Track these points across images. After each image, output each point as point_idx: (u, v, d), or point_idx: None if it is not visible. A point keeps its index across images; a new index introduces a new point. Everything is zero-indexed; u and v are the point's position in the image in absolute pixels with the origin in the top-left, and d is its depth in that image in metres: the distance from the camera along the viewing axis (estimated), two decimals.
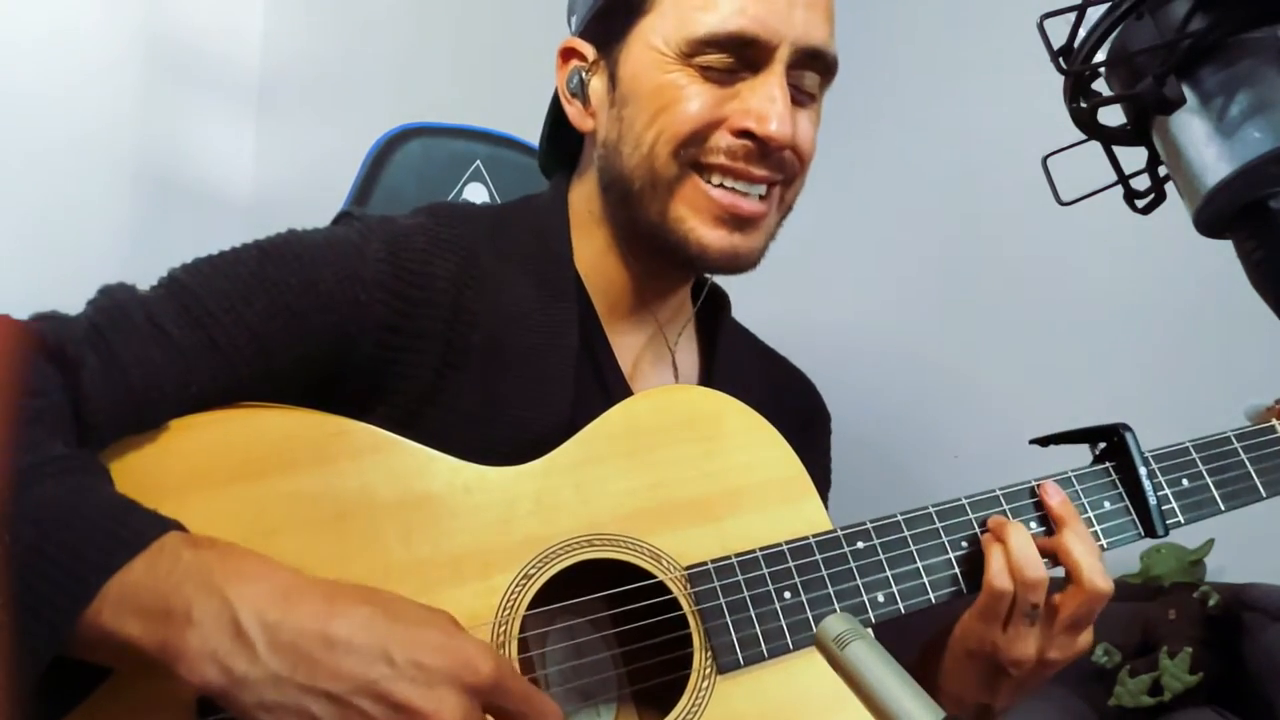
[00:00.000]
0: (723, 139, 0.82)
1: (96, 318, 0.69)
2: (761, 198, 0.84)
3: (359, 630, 0.59)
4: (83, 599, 0.56)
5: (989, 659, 0.80)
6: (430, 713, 0.57)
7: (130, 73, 1.79)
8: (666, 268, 0.90)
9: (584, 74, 0.89)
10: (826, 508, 1.02)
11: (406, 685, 0.57)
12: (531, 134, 1.03)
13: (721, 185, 0.83)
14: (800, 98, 0.85)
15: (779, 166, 0.84)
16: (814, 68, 0.85)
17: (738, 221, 0.83)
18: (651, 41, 0.83)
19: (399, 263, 0.78)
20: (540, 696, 0.63)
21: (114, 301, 0.71)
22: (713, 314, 1.00)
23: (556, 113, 0.94)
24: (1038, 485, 0.84)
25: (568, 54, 0.91)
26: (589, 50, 0.89)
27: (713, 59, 0.81)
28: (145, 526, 0.60)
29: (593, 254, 0.90)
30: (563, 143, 0.96)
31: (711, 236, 0.83)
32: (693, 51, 0.81)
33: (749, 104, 0.81)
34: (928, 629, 0.88)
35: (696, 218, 0.83)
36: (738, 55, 0.81)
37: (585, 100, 0.89)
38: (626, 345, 0.92)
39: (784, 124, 0.80)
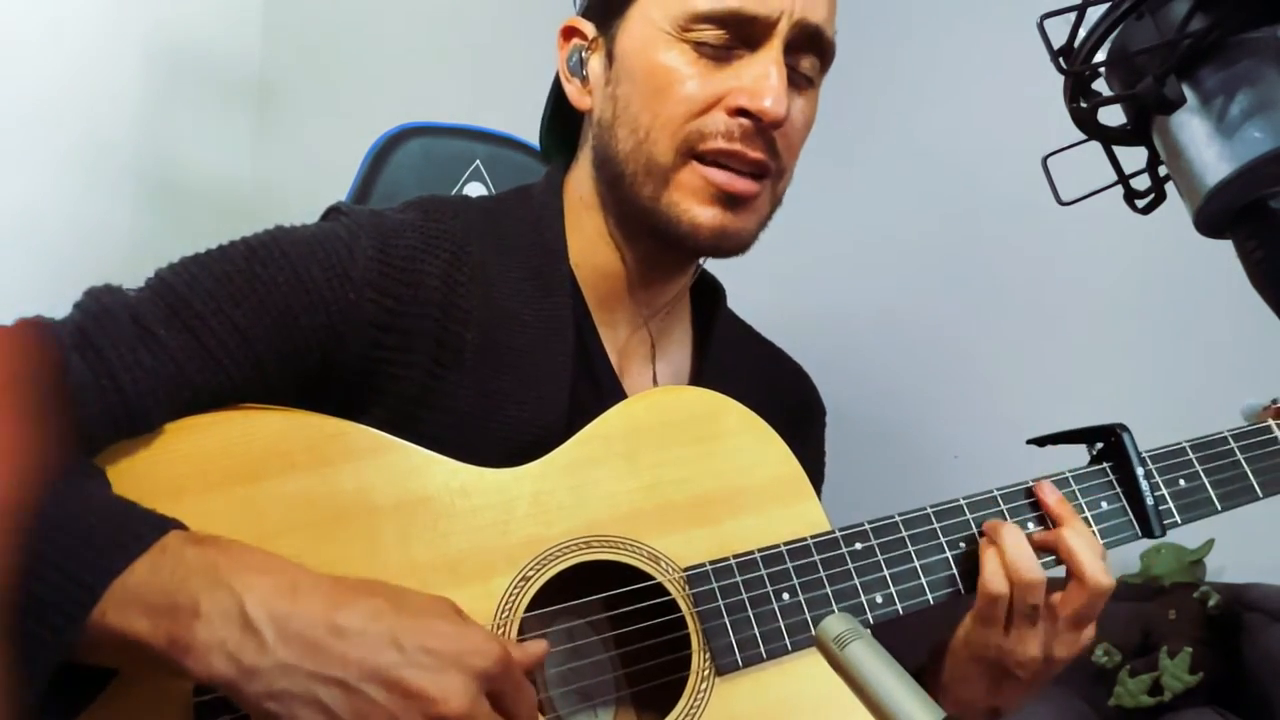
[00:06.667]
0: (719, 120, 0.81)
1: (82, 321, 0.68)
2: (756, 178, 0.83)
3: (367, 619, 0.59)
4: (87, 603, 0.56)
5: (994, 663, 0.80)
6: (438, 698, 0.57)
7: (129, 72, 1.79)
8: (658, 252, 0.88)
9: (584, 52, 0.89)
10: (820, 502, 1.02)
11: (415, 671, 0.58)
12: (531, 134, 1.03)
13: (716, 163, 0.82)
14: (797, 79, 0.84)
15: (772, 150, 0.83)
16: (812, 50, 0.84)
17: (730, 200, 0.82)
18: (649, 15, 0.83)
19: (389, 260, 0.77)
20: (529, 685, 0.64)
21: (100, 304, 0.69)
22: (708, 306, 0.99)
23: (558, 95, 0.94)
24: (1034, 484, 0.84)
25: (569, 33, 0.91)
26: (589, 28, 0.89)
27: (708, 34, 0.81)
28: (145, 528, 0.60)
29: (584, 244, 0.89)
30: (563, 127, 0.96)
31: (704, 215, 0.82)
32: (689, 26, 0.81)
33: (744, 81, 0.80)
34: (927, 633, 0.88)
35: (691, 199, 0.82)
36: (734, 32, 0.80)
37: (584, 79, 0.89)
38: (616, 339, 0.91)
39: (779, 101, 0.79)
